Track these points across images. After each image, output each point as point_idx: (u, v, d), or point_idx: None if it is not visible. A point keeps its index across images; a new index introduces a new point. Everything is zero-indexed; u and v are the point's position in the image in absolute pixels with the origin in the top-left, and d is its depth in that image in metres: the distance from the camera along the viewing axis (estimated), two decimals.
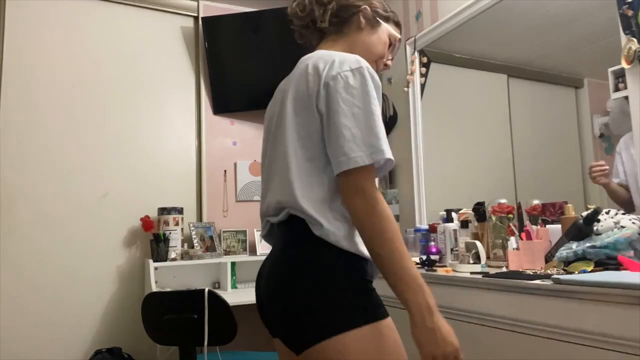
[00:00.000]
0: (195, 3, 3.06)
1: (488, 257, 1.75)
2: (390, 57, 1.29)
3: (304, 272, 0.99)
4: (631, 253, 1.27)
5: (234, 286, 2.74)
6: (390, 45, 1.27)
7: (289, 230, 1.06)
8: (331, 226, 0.99)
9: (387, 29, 1.25)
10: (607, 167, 1.72)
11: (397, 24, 1.30)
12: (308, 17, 1.25)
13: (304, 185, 1.03)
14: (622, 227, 1.33)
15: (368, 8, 1.23)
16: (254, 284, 2.75)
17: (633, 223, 1.32)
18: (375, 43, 1.24)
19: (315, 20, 1.24)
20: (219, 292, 2.70)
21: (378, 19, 1.24)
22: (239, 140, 3.10)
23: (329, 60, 1.07)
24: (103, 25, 2.83)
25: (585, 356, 1.10)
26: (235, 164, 3.06)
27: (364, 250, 1.00)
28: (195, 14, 3.06)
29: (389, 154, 0.99)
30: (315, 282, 0.97)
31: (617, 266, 1.22)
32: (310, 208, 1.00)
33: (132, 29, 2.90)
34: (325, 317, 0.94)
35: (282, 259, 1.04)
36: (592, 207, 1.53)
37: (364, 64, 1.07)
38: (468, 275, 1.49)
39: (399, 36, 1.28)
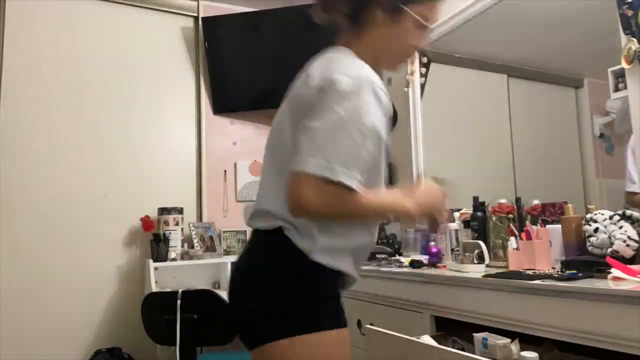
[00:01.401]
0: (195, 3, 3.06)
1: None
2: (422, 40, 1.08)
3: (273, 277, 1.00)
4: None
5: None
6: (420, 28, 1.05)
7: (270, 239, 1.03)
8: (305, 239, 0.98)
9: (412, 15, 1.02)
10: None
11: (431, 5, 1.05)
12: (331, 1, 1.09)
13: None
14: (617, 239, 1.32)
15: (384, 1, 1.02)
16: None
17: (624, 242, 1.31)
18: (399, 39, 1.05)
19: (333, 6, 1.08)
20: (219, 292, 2.70)
21: (400, 4, 1.01)
22: (239, 140, 3.09)
23: (333, 64, 0.99)
24: (103, 25, 2.83)
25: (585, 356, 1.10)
26: (235, 164, 3.05)
27: (334, 263, 1.00)
28: (195, 14, 3.06)
29: (341, 177, 0.90)
30: (271, 287, 0.99)
31: (607, 267, 1.22)
32: (292, 219, 0.98)
33: (132, 29, 2.90)
34: (274, 320, 0.97)
35: (256, 264, 1.04)
36: (592, 207, 1.53)
37: (368, 76, 0.97)
38: (468, 275, 1.49)
39: (425, 21, 1.04)
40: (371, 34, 1.05)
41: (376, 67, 1.05)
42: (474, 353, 1.20)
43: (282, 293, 0.98)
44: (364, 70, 0.98)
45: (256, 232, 1.07)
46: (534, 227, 1.56)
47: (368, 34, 1.05)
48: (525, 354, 1.06)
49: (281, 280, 0.99)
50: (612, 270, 1.18)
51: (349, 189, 0.91)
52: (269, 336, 0.97)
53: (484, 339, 1.25)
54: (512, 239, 1.63)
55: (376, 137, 0.96)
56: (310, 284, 0.99)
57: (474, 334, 1.31)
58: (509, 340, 1.22)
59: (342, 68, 0.97)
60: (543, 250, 1.49)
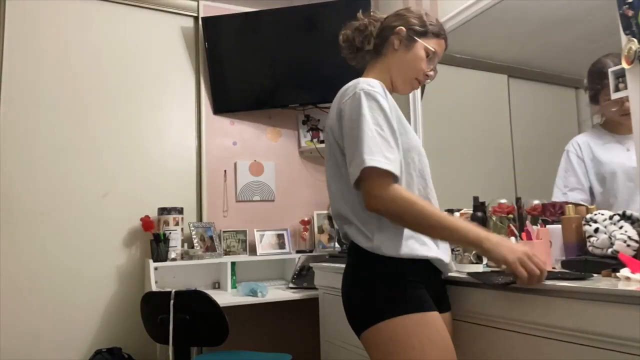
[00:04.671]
0: (195, 3, 3.06)
1: None
2: (430, 68, 1.37)
3: (354, 277, 1.27)
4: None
5: (234, 286, 2.74)
6: (428, 56, 1.35)
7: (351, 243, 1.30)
8: (371, 241, 1.22)
9: (422, 44, 1.34)
10: None
11: (438, 34, 1.37)
12: (352, 46, 1.41)
13: (347, 208, 1.27)
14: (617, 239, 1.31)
15: (403, 28, 1.34)
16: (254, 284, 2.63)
17: (624, 242, 1.30)
18: (410, 61, 1.34)
19: (359, 47, 1.40)
20: (219, 292, 2.69)
21: (414, 36, 1.34)
22: (239, 140, 3.09)
23: (340, 95, 1.27)
24: (103, 25, 2.83)
25: (585, 356, 1.10)
26: (235, 164, 3.06)
27: (405, 252, 1.21)
28: (195, 14, 3.06)
29: (370, 162, 1.13)
30: (359, 284, 1.24)
31: (619, 265, 1.22)
32: (354, 231, 1.26)
33: (132, 29, 2.90)
34: (364, 311, 1.21)
35: (346, 266, 1.33)
36: (592, 207, 1.53)
37: (360, 87, 1.22)
38: (466, 275, 1.49)
39: (432, 49, 1.35)
40: (389, 57, 1.36)
41: (392, 89, 1.39)
42: None
43: (365, 289, 1.22)
44: (358, 84, 1.24)
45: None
46: (534, 227, 1.56)
47: (387, 57, 1.37)
48: None
49: (363, 278, 1.24)
50: (622, 270, 1.17)
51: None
52: (363, 325, 1.20)
53: None
54: (512, 239, 1.63)
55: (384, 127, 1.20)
56: (385, 277, 1.21)
57: None
58: None
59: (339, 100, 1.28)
60: (543, 250, 1.49)
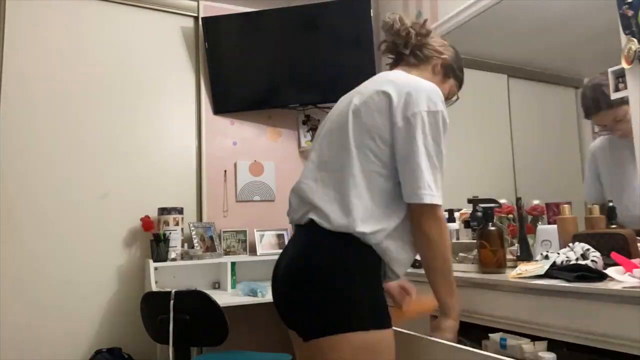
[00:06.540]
0: (195, 3, 3.06)
1: None
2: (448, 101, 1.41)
3: (340, 265, 1.14)
4: None
5: (233, 286, 2.74)
6: (448, 95, 1.41)
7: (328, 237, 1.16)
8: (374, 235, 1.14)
9: (452, 83, 1.42)
10: None
11: (461, 85, 1.46)
12: (393, 37, 1.37)
13: (362, 203, 1.14)
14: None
15: (448, 60, 1.39)
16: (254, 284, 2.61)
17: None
18: (441, 88, 1.32)
19: (397, 43, 1.36)
20: (219, 292, 2.69)
21: (450, 74, 1.40)
22: (239, 140, 3.09)
23: (409, 90, 1.17)
24: (103, 25, 2.83)
25: (585, 356, 1.10)
26: (235, 164, 3.06)
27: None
28: (195, 14, 3.06)
29: (433, 199, 1.12)
30: (348, 278, 1.11)
31: (614, 264, 1.22)
32: (366, 227, 1.12)
33: (132, 29, 2.90)
34: (345, 311, 1.07)
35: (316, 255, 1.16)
36: (594, 207, 1.53)
37: (439, 106, 1.17)
38: (470, 275, 1.49)
39: (457, 95, 1.44)
40: (425, 74, 1.33)
41: None
42: None
43: (345, 288, 1.09)
44: (435, 93, 1.20)
45: (310, 225, 1.19)
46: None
47: (422, 73, 1.34)
48: (542, 354, 1.07)
49: (345, 275, 1.11)
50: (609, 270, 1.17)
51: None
52: (334, 327, 1.06)
53: (502, 339, 1.25)
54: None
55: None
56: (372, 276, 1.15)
57: (489, 335, 1.31)
58: (528, 340, 1.22)
59: (425, 100, 1.17)
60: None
